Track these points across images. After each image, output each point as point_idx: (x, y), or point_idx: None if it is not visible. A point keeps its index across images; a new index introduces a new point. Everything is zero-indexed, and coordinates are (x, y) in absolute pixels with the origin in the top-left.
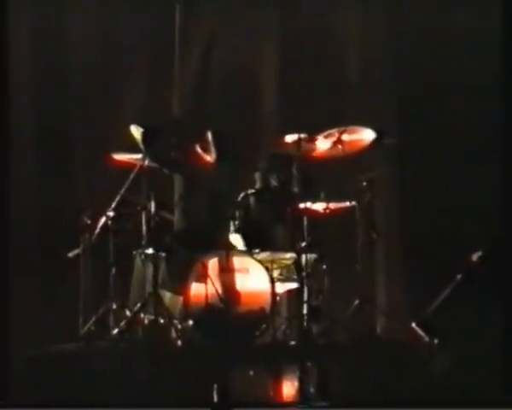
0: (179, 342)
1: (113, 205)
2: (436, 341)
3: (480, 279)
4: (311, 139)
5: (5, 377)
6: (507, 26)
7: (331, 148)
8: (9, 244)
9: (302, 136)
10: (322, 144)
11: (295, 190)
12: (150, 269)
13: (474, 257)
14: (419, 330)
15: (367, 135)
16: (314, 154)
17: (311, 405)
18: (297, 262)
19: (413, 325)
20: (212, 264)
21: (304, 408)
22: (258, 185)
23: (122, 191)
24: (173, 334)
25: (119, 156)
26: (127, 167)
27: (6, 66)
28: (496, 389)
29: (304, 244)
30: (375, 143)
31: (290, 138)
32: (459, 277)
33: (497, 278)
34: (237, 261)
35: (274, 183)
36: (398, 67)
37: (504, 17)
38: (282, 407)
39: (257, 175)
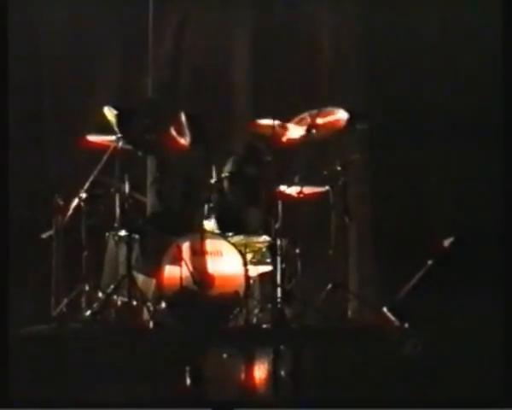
0: (151, 324)
1: (86, 186)
2: (406, 325)
3: (452, 265)
4: (285, 123)
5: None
6: None
7: (305, 131)
8: None
9: (276, 122)
10: (296, 129)
11: (269, 174)
12: (123, 251)
13: (446, 243)
14: (390, 315)
15: (341, 115)
16: (288, 138)
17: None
18: (270, 246)
19: (384, 309)
20: (186, 247)
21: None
22: (231, 169)
23: (95, 173)
24: (146, 316)
25: (93, 138)
26: (101, 149)
27: None
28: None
29: (277, 226)
30: (348, 125)
31: (264, 122)
32: (430, 262)
33: (468, 263)
34: (211, 244)
35: (247, 168)
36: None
37: None
38: (282, 406)
39: (230, 159)
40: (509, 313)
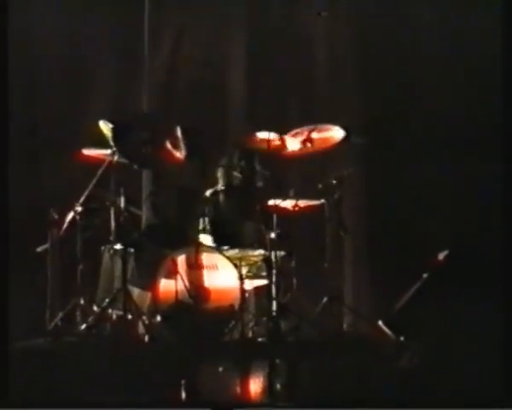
0: (147, 338)
1: (82, 200)
2: (402, 338)
3: (447, 278)
4: (281, 137)
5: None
6: None
7: (301, 146)
8: None
9: (272, 134)
10: (292, 142)
11: (263, 187)
12: (119, 265)
13: (441, 256)
14: (385, 328)
15: (336, 133)
16: (284, 152)
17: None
18: (266, 259)
19: (379, 322)
20: (181, 260)
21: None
22: (223, 182)
23: (90, 186)
24: (141, 330)
25: (89, 151)
26: (96, 163)
27: None
28: (461, 387)
29: (272, 236)
30: (344, 141)
31: (259, 135)
32: (425, 275)
33: (463, 276)
34: (206, 258)
35: (237, 179)
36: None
37: None
38: (282, 407)
39: (220, 172)
40: (509, 314)
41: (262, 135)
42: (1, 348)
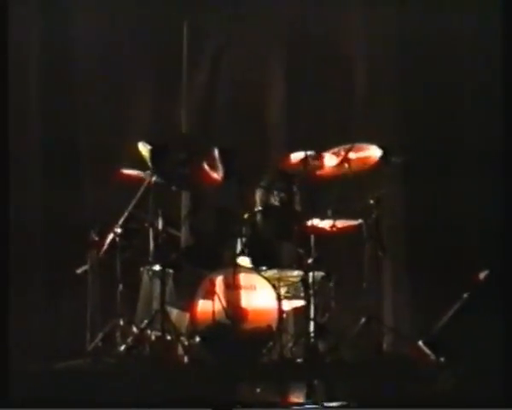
0: (186, 359)
1: (121, 221)
2: (442, 359)
3: (487, 297)
4: (318, 157)
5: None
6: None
7: (338, 166)
8: (18, 260)
9: (309, 153)
10: (329, 162)
11: (300, 208)
12: (157, 285)
13: (481, 275)
14: (425, 348)
15: (373, 152)
16: (320, 172)
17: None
18: (304, 280)
19: (419, 342)
20: (219, 281)
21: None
22: (261, 203)
23: (130, 207)
24: (180, 351)
25: (128, 172)
26: (135, 183)
27: (7, 83)
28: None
29: (310, 261)
30: (381, 160)
31: (297, 156)
32: (466, 295)
33: (506, 295)
34: (244, 279)
35: (275, 201)
36: (403, 82)
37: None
38: (282, 407)
39: (259, 193)
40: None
41: (299, 155)
42: (1, 348)
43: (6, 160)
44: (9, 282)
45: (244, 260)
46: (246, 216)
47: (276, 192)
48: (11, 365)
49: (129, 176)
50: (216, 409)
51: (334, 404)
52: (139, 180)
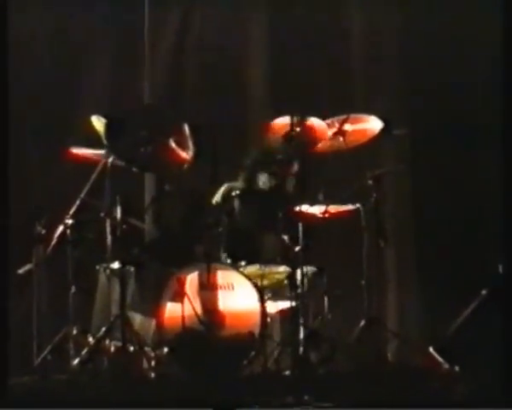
0: (152, 374)
1: (72, 211)
2: (457, 368)
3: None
4: (304, 123)
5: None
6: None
7: (331, 139)
8: None
9: (295, 119)
10: (321, 134)
11: (288, 190)
12: (117, 287)
13: (502, 269)
14: (437, 356)
15: (373, 124)
16: (310, 146)
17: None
18: (291, 277)
19: (430, 349)
20: (191, 280)
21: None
22: (242, 186)
23: (82, 194)
24: (145, 364)
25: (79, 151)
26: (88, 166)
27: None
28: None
29: (299, 253)
30: (382, 133)
31: (281, 123)
32: (484, 292)
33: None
34: (220, 276)
35: (262, 183)
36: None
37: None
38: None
39: (241, 174)
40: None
41: (284, 122)
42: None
43: None
44: None
45: (220, 255)
46: (220, 201)
47: (261, 173)
48: None
49: (81, 156)
50: (216, 409)
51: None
52: (93, 161)
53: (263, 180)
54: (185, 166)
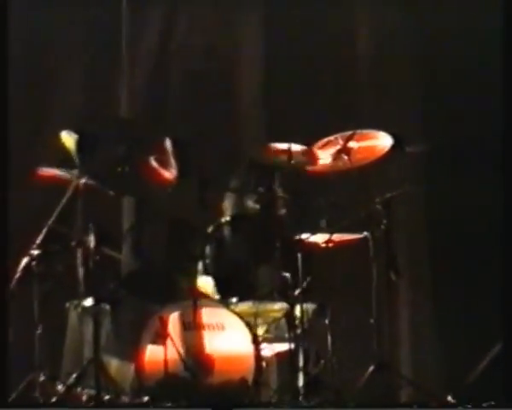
0: None
1: (39, 240)
2: None
3: None
4: (307, 149)
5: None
6: None
7: (334, 159)
8: None
9: (295, 146)
10: (322, 154)
11: (285, 215)
12: (90, 326)
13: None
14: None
15: (382, 141)
16: (311, 167)
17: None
18: (290, 315)
19: (449, 397)
20: (174, 319)
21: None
22: (233, 211)
23: (51, 220)
24: None
25: (47, 171)
26: (57, 188)
27: None
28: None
29: (298, 291)
30: (393, 151)
31: (279, 148)
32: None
33: None
34: (208, 315)
35: (253, 206)
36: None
37: None
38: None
39: (230, 197)
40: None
41: (282, 147)
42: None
43: None
44: None
45: (208, 290)
46: (209, 229)
47: (251, 196)
48: None
49: (49, 177)
50: (216, 409)
51: None
52: (63, 183)
53: (251, 202)
54: (168, 187)
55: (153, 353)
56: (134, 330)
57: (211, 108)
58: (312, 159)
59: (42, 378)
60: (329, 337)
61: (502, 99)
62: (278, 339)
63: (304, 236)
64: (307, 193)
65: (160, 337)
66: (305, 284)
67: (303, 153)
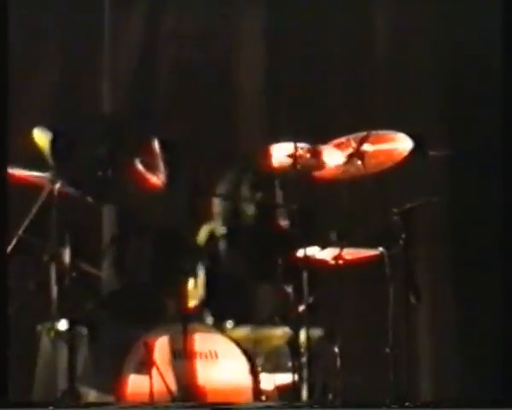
0: None
1: (8, 251)
2: None
3: None
4: (315, 150)
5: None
6: None
7: (346, 163)
8: None
9: (301, 146)
10: (332, 158)
11: (288, 227)
12: (64, 353)
13: None
14: None
15: (401, 144)
16: (319, 173)
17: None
18: (293, 342)
19: None
20: (161, 345)
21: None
22: (225, 221)
23: (21, 231)
24: None
25: (16, 173)
26: (28, 193)
27: None
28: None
29: (303, 314)
30: (413, 155)
31: (281, 149)
32: None
33: None
34: (200, 341)
35: (248, 217)
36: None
37: None
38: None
39: (221, 205)
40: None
41: (285, 148)
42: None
43: None
44: None
45: (200, 312)
46: (201, 242)
47: (249, 205)
48: None
49: (19, 180)
50: (216, 409)
51: None
52: (35, 187)
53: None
54: (155, 193)
55: (136, 383)
56: (115, 358)
57: (203, 106)
58: (320, 162)
59: None
60: (339, 368)
61: None
62: (280, 369)
63: (310, 251)
64: (314, 202)
65: (145, 366)
66: (311, 307)
67: (310, 155)
